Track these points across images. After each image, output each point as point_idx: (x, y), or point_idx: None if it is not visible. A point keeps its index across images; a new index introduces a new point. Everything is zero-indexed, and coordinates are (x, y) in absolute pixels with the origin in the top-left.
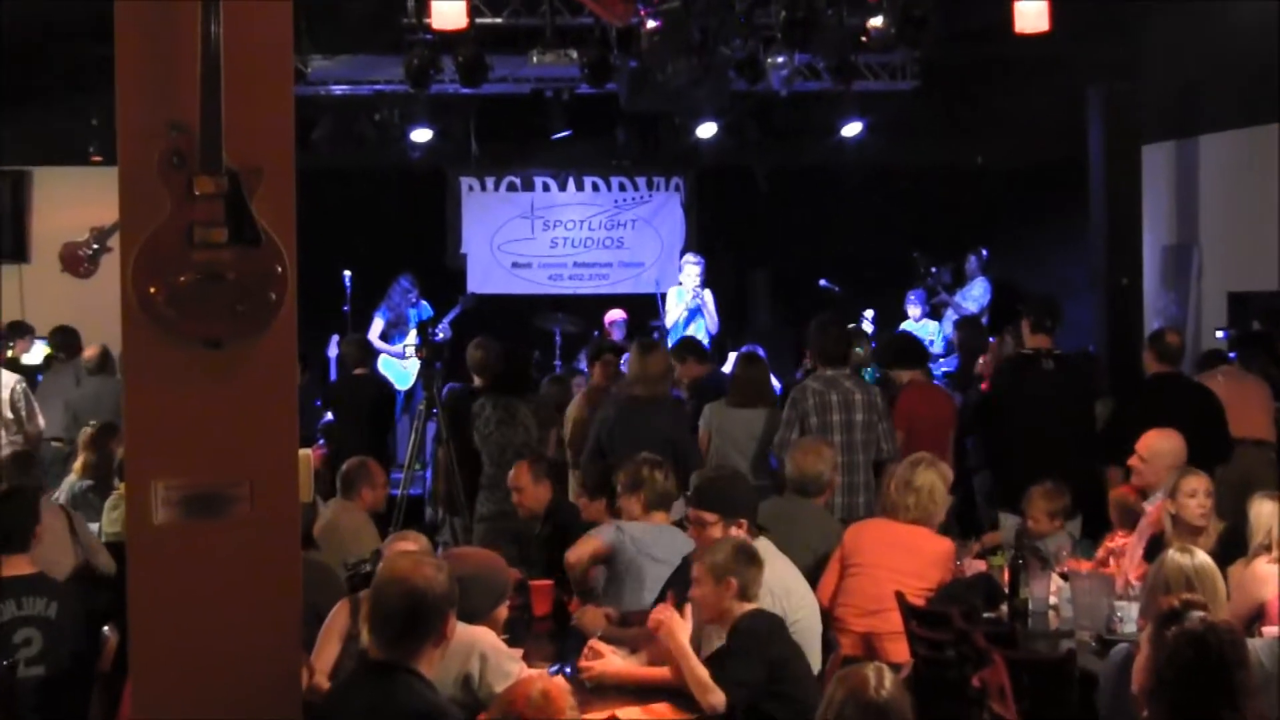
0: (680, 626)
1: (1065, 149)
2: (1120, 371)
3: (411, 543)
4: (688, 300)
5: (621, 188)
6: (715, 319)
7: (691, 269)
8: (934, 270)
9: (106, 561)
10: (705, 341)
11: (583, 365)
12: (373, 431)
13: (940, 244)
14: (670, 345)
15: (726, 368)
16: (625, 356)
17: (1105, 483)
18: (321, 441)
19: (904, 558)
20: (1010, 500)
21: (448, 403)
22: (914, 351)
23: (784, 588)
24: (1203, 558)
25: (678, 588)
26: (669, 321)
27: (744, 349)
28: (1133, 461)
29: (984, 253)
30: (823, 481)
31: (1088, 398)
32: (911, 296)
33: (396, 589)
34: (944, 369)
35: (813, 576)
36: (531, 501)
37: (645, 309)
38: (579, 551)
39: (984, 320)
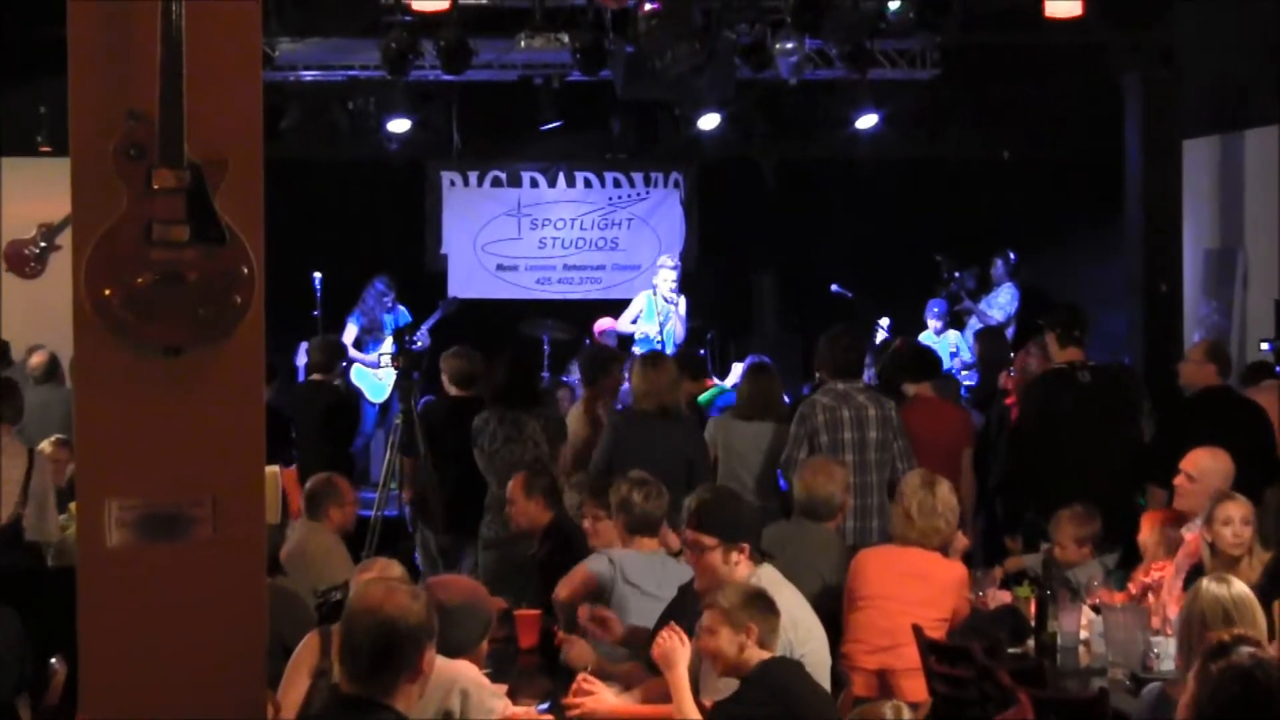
0: (682, 655)
1: (1099, 144)
2: (1158, 386)
3: (385, 569)
4: (660, 307)
5: (616, 184)
6: (684, 330)
7: (668, 273)
8: (957, 275)
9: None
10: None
11: (574, 378)
12: (327, 445)
13: (963, 247)
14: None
15: (730, 380)
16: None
17: (1141, 507)
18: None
19: (914, 586)
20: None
21: (425, 416)
22: (921, 363)
23: (790, 619)
24: (1240, 587)
25: (678, 621)
26: (625, 326)
27: (751, 359)
28: (1178, 481)
29: (1012, 256)
30: (833, 504)
31: (1132, 413)
32: (932, 304)
33: (368, 619)
34: (967, 383)
35: (821, 606)
36: (523, 517)
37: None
38: (570, 586)
39: (1010, 330)
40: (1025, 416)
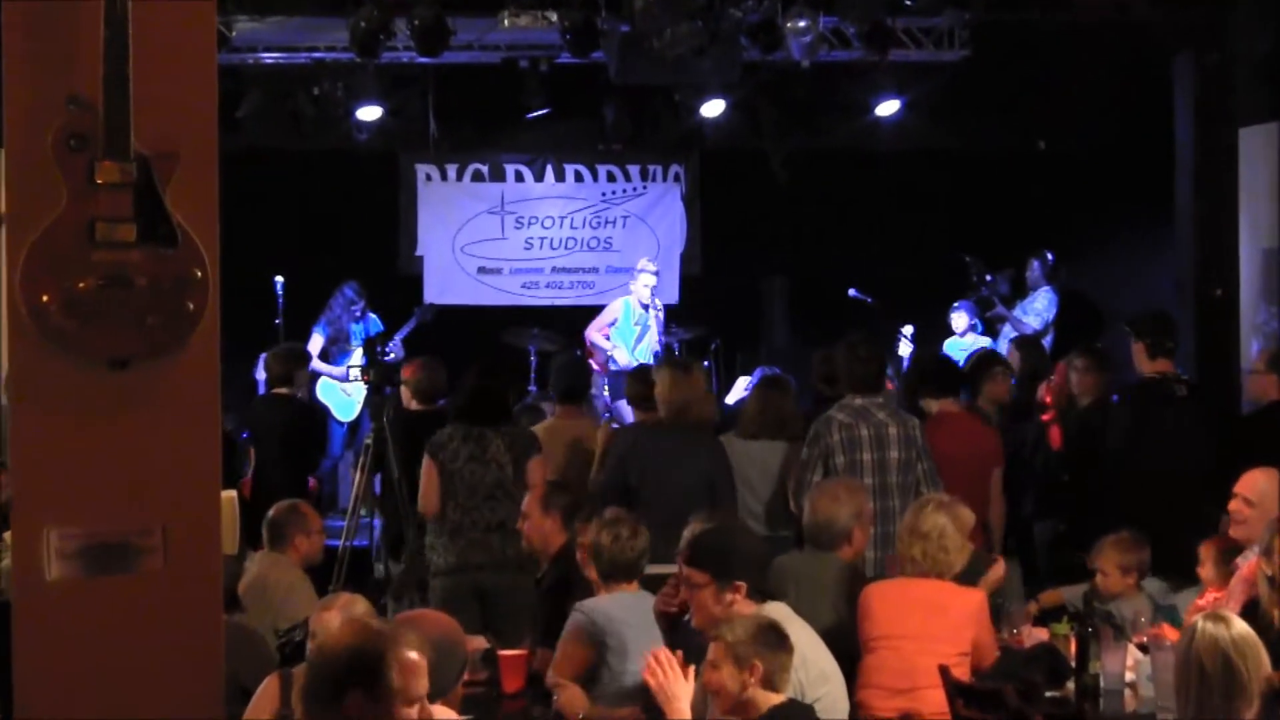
0: (682, 691)
1: (1145, 133)
2: (1212, 399)
3: (349, 606)
4: (637, 315)
5: (610, 178)
6: (659, 339)
7: (648, 278)
8: (989, 278)
9: None
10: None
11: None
12: (288, 467)
13: (995, 247)
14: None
15: (731, 398)
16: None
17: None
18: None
19: (929, 620)
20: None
21: (397, 425)
22: (944, 376)
23: (801, 658)
24: (1241, 627)
25: (681, 650)
26: (597, 336)
27: (760, 371)
28: (1233, 506)
29: (1049, 257)
30: (836, 529)
31: (1218, 435)
32: (960, 309)
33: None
34: None
35: (836, 644)
36: (536, 535)
37: None
38: (561, 670)
39: (1048, 339)
40: (1115, 434)
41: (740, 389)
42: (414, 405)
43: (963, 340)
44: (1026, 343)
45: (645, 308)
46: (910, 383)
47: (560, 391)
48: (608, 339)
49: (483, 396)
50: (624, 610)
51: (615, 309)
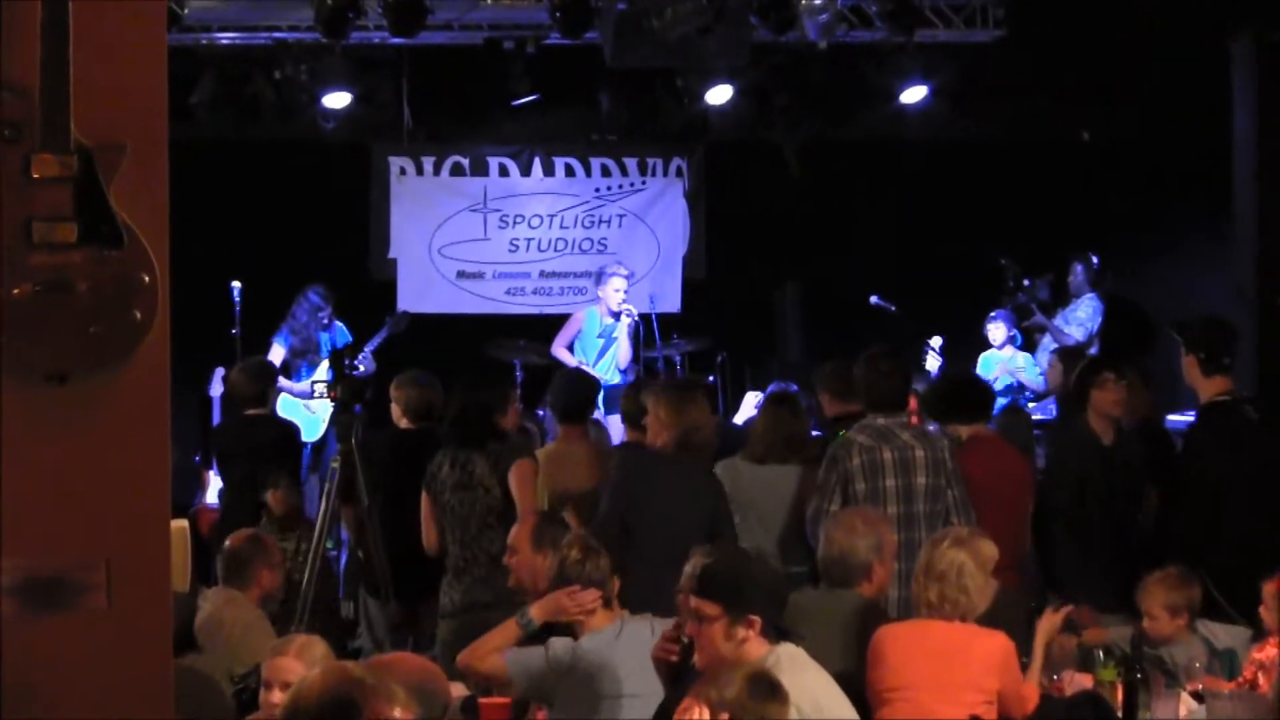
0: None
1: (1201, 122)
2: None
3: (306, 650)
4: (602, 325)
5: (605, 172)
6: (629, 352)
7: (618, 282)
8: (1026, 284)
9: None
10: (615, 381)
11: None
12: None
13: (1034, 248)
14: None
15: (739, 417)
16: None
17: None
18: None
19: (948, 668)
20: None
21: (383, 444)
22: (972, 398)
23: (813, 703)
24: None
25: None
26: (560, 350)
27: (774, 387)
28: None
29: (1094, 260)
30: (852, 563)
31: None
32: (997, 319)
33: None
34: (1038, 416)
35: (854, 689)
36: (525, 571)
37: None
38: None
39: (1093, 351)
40: (1192, 465)
41: (750, 407)
42: (404, 423)
43: (1001, 353)
44: (1070, 356)
45: (615, 317)
46: (934, 406)
47: (561, 410)
48: (570, 352)
49: (468, 415)
50: (603, 642)
51: (578, 319)
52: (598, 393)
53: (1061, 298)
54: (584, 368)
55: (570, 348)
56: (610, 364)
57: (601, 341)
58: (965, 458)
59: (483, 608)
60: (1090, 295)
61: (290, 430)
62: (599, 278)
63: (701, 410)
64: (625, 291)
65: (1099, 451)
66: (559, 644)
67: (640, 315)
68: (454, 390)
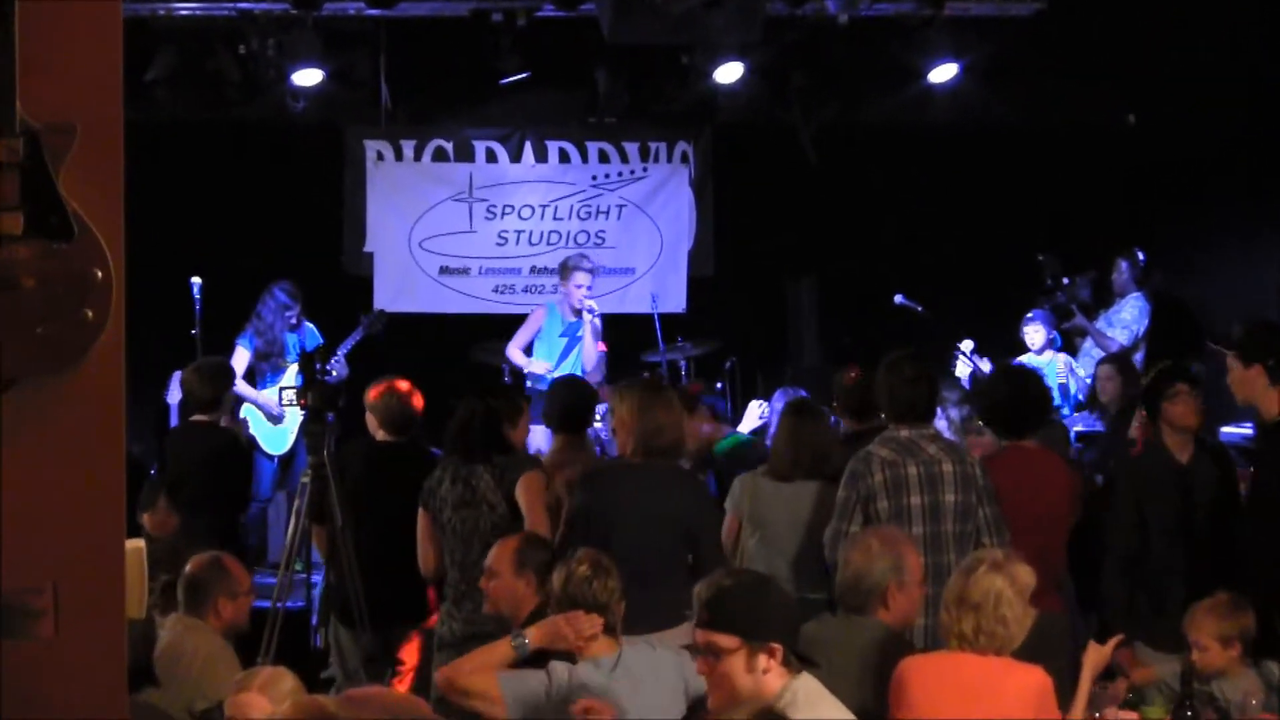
0: None
1: (1256, 105)
2: None
3: (273, 684)
4: (563, 323)
5: (603, 158)
6: (595, 353)
7: (581, 276)
8: (1066, 282)
9: None
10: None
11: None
12: (214, 512)
13: (1075, 243)
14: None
15: (744, 426)
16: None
17: None
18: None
19: (979, 706)
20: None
21: (357, 459)
22: (1025, 411)
23: None
24: None
25: None
26: (515, 353)
27: (781, 394)
28: None
29: (1140, 257)
30: (865, 586)
31: None
32: (1035, 320)
33: None
34: (1079, 427)
35: None
36: (504, 596)
37: (637, 337)
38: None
39: (1138, 357)
40: (1268, 487)
41: (754, 416)
42: (380, 435)
43: (1040, 358)
44: (1119, 364)
45: (579, 313)
46: (985, 407)
47: (558, 419)
48: (529, 354)
49: (470, 425)
50: (601, 672)
51: (538, 317)
52: (595, 399)
53: (1104, 298)
54: (535, 364)
55: (529, 349)
56: (574, 366)
57: (564, 341)
58: (996, 465)
59: (486, 638)
60: (1136, 295)
61: (237, 441)
62: (563, 270)
63: (669, 410)
64: (589, 288)
65: (1173, 472)
66: (560, 670)
67: (655, 314)
68: (463, 398)
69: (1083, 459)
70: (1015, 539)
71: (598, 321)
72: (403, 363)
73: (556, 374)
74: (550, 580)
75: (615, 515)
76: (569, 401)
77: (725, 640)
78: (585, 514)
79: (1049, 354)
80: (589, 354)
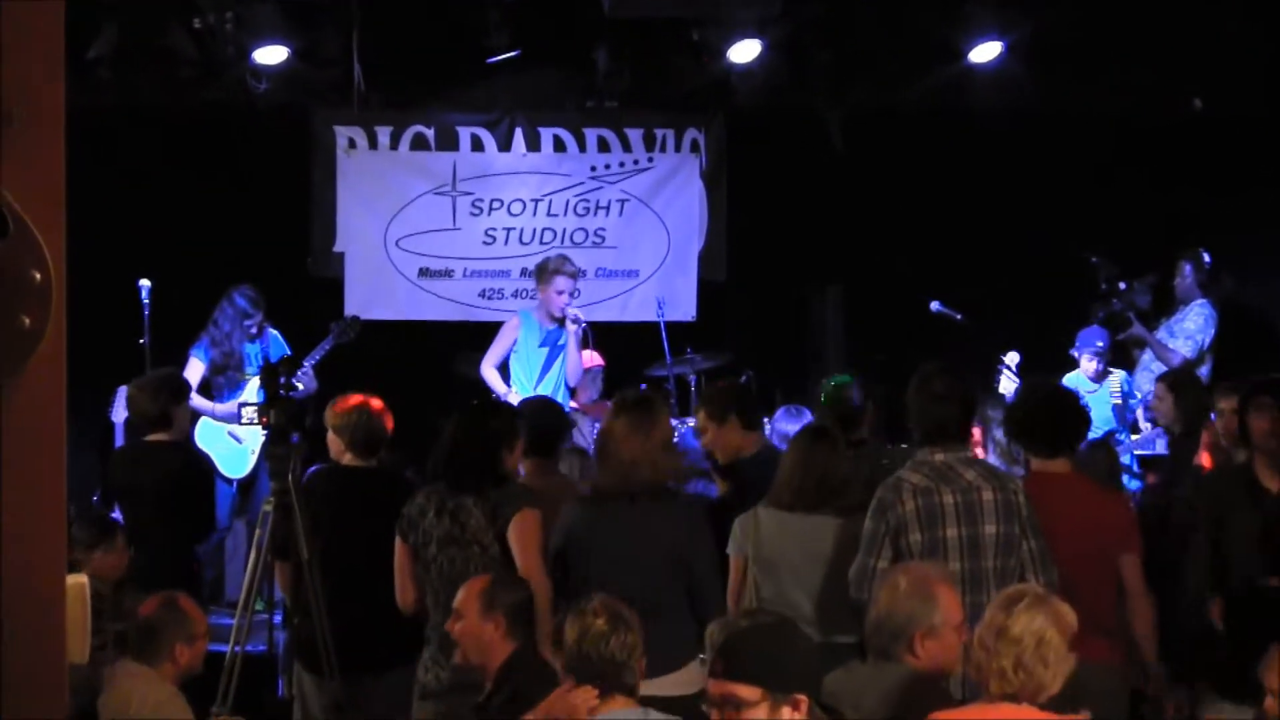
0: None
1: None
2: None
3: None
4: (541, 333)
5: (603, 146)
6: (579, 365)
7: (563, 281)
8: (1122, 286)
9: None
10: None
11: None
12: (165, 543)
13: (1133, 243)
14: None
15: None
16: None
17: None
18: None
19: None
20: None
21: (317, 485)
22: (1061, 419)
23: None
24: None
25: None
26: (489, 371)
27: (781, 413)
28: None
29: (1205, 259)
30: (890, 630)
31: None
32: (1086, 334)
33: None
34: (1136, 450)
35: None
36: (472, 643)
37: (640, 349)
38: None
39: (1204, 370)
40: None
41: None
42: (347, 459)
43: (1093, 387)
44: (1183, 381)
45: (561, 322)
46: (1011, 424)
47: (530, 441)
48: (505, 377)
49: (462, 450)
50: None
51: (512, 328)
52: (567, 420)
53: (1166, 305)
54: (513, 396)
55: (505, 366)
56: (556, 381)
57: (545, 352)
58: (1035, 491)
59: (475, 689)
60: (1201, 302)
61: (197, 461)
62: (540, 273)
63: (657, 435)
64: (571, 294)
65: (1261, 501)
66: None
67: (661, 321)
68: (454, 416)
69: (1145, 486)
70: (1072, 579)
71: (581, 330)
72: (377, 376)
73: (539, 390)
74: (524, 624)
75: (595, 552)
76: (538, 423)
77: (745, 692)
78: (563, 553)
79: (1102, 368)
80: (573, 366)
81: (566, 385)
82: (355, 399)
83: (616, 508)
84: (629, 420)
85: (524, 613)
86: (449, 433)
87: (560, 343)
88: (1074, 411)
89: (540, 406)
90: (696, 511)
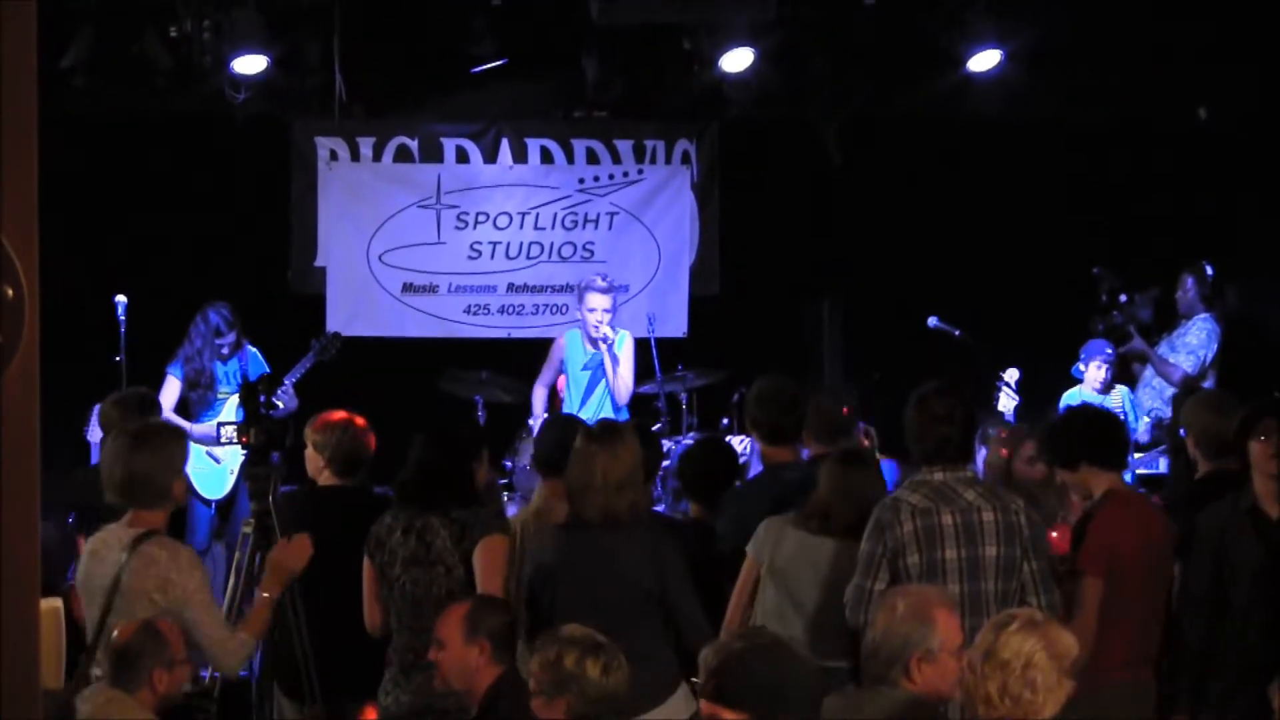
0: None
1: None
2: None
3: None
4: (585, 355)
5: (592, 158)
6: (630, 384)
7: (598, 298)
8: (1122, 298)
9: None
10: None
11: (523, 462)
12: None
13: (1138, 255)
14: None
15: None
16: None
17: None
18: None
19: None
20: None
21: (295, 505)
22: (1111, 435)
23: None
24: None
25: None
26: (539, 397)
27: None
28: None
29: (1208, 270)
30: (885, 655)
31: None
32: (1091, 347)
33: None
34: (1139, 469)
35: None
36: (456, 669)
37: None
38: None
39: (1205, 385)
40: None
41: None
42: (324, 477)
43: (1101, 398)
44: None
45: (594, 344)
46: (1061, 447)
47: (544, 460)
48: (557, 393)
49: (428, 469)
50: None
51: (560, 348)
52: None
53: (1167, 318)
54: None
55: (555, 386)
56: (601, 402)
57: (588, 375)
58: (1106, 519)
59: (439, 713)
60: (1204, 316)
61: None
62: (581, 293)
63: (625, 460)
64: (608, 310)
65: (1263, 529)
66: None
67: (652, 338)
68: (415, 435)
69: None
70: (1130, 605)
71: (621, 357)
72: (360, 394)
73: (583, 413)
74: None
75: (561, 585)
76: (553, 442)
77: (732, 716)
78: (532, 587)
79: (1107, 382)
80: (621, 387)
81: (614, 407)
82: (338, 415)
83: (585, 539)
84: (596, 447)
85: (508, 636)
86: (413, 453)
87: (599, 364)
88: (1120, 429)
89: (560, 427)
90: (667, 541)
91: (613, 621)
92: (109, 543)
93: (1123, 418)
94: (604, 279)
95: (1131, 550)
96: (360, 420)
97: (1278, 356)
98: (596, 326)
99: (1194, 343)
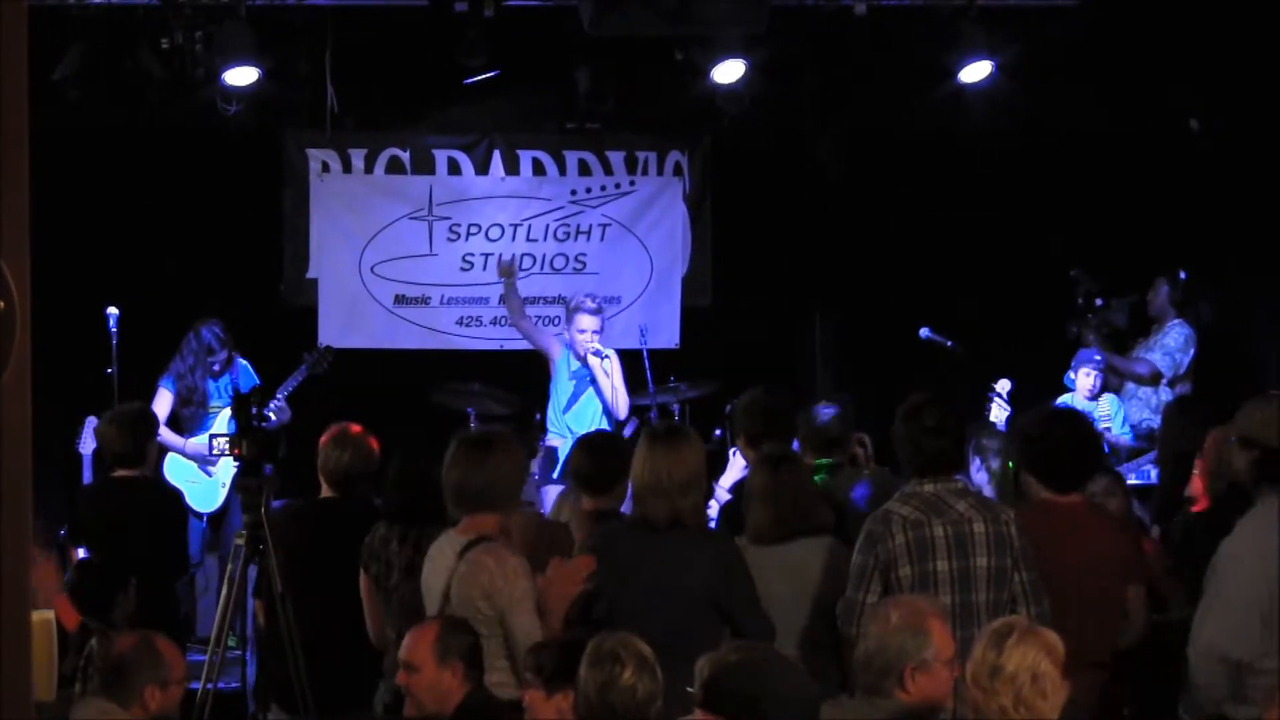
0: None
1: None
2: None
3: None
4: (571, 371)
5: (584, 169)
6: (624, 397)
7: (587, 319)
8: (1098, 303)
9: None
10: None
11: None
12: (146, 580)
13: (1124, 265)
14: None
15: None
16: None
17: None
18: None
19: None
20: None
21: (288, 519)
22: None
23: None
24: None
25: None
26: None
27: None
28: None
29: (1181, 277)
30: (879, 666)
31: None
32: (1082, 355)
33: None
34: (1132, 481)
35: None
36: (428, 692)
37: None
38: None
39: (1180, 390)
40: None
41: (737, 468)
42: (323, 491)
43: (1092, 405)
44: (1180, 406)
45: (583, 361)
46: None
47: (580, 477)
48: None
49: (419, 481)
50: None
51: (555, 350)
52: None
53: (1140, 324)
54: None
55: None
56: (586, 416)
57: (572, 386)
58: (1031, 523)
59: None
60: (1178, 322)
61: (171, 498)
62: (567, 312)
63: (689, 463)
64: (597, 332)
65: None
66: None
67: (644, 349)
68: (404, 448)
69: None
70: (1068, 613)
71: (611, 372)
72: (351, 406)
73: (567, 418)
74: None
75: (622, 585)
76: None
77: None
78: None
79: (1099, 390)
80: (620, 402)
81: (611, 418)
82: (339, 429)
83: (646, 542)
84: (660, 449)
85: (477, 655)
86: (400, 463)
87: (590, 377)
88: (1096, 443)
89: (588, 444)
90: (728, 547)
91: (676, 627)
92: (443, 549)
93: (1104, 423)
94: (594, 299)
95: (1065, 559)
96: (356, 428)
97: (1247, 367)
98: (586, 347)
99: (1171, 345)
